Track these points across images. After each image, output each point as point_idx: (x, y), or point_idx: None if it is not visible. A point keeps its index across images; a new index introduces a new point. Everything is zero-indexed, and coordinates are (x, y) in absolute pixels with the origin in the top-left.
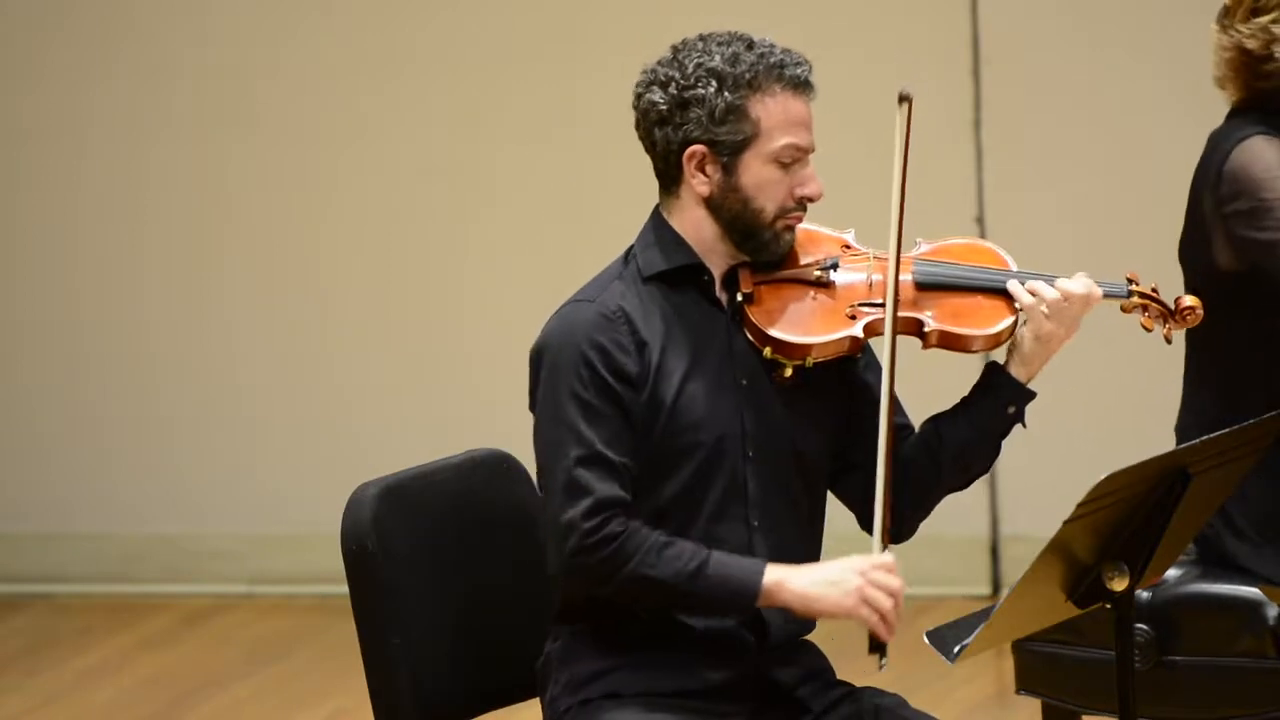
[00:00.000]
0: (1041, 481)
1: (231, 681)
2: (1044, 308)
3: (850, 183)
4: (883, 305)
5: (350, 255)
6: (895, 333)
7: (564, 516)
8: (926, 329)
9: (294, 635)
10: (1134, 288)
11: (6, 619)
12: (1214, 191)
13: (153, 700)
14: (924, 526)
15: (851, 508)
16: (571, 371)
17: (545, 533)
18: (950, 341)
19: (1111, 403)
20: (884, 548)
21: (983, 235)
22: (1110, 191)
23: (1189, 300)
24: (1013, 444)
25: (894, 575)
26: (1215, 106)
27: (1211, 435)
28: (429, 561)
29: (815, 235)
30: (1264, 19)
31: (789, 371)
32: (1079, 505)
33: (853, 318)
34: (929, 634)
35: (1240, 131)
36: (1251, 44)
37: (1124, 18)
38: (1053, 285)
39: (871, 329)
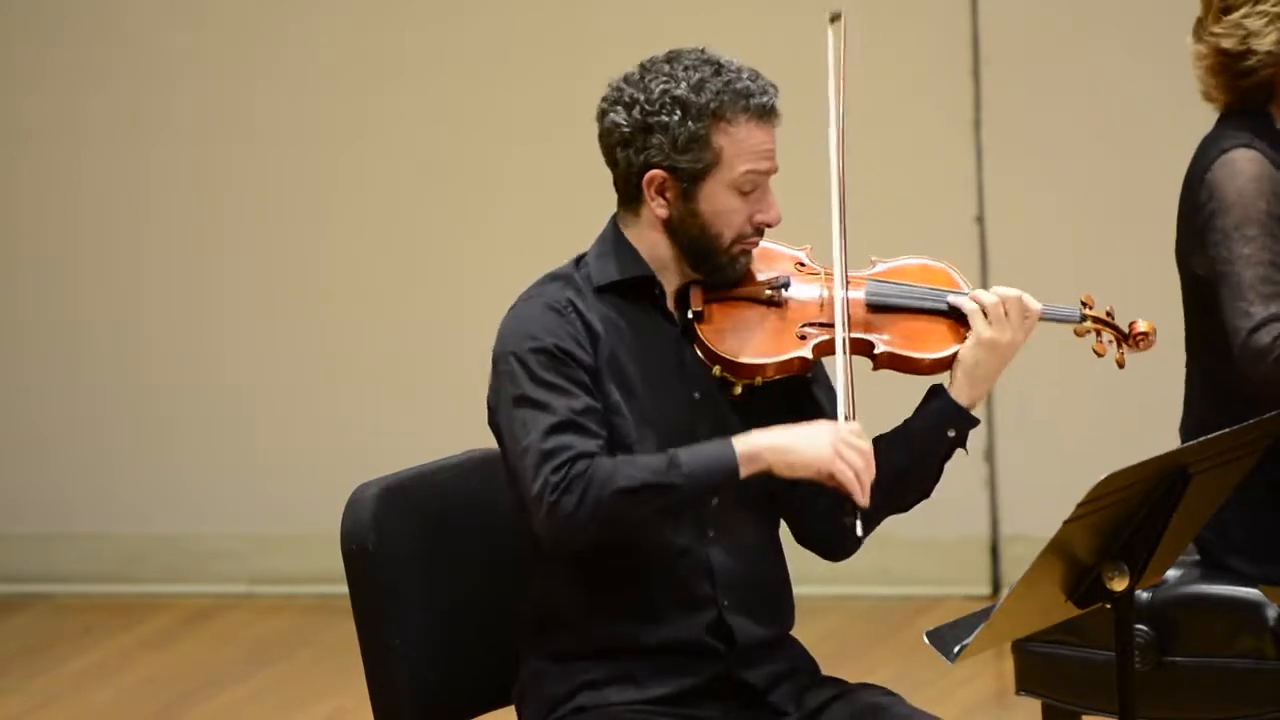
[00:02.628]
0: (1041, 481)
1: (231, 681)
2: (985, 313)
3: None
4: (831, 326)
5: (350, 255)
6: (845, 322)
7: (535, 485)
8: (876, 351)
9: (294, 635)
10: (1087, 311)
11: (6, 619)
12: (1194, 199)
13: (153, 700)
14: (924, 526)
15: (793, 527)
16: (530, 359)
17: (520, 528)
18: (899, 364)
19: (1111, 403)
20: (851, 416)
21: (983, 235)
22: (1110, 191)
23: (1143, 325)
24: (1013, 444)
25: (864, 439)
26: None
27: (1211, 435)
28: (429, 561)
29: (770, 252)
30: (1235, 15)
31: (739, 389)
32: (1079, 505)
33: (803, 338)
34: (929, 634)
35: (1225, 141)
36: (1228, 43)
37: (1124, 18)
38: (993, 291)
39: (821, 349)
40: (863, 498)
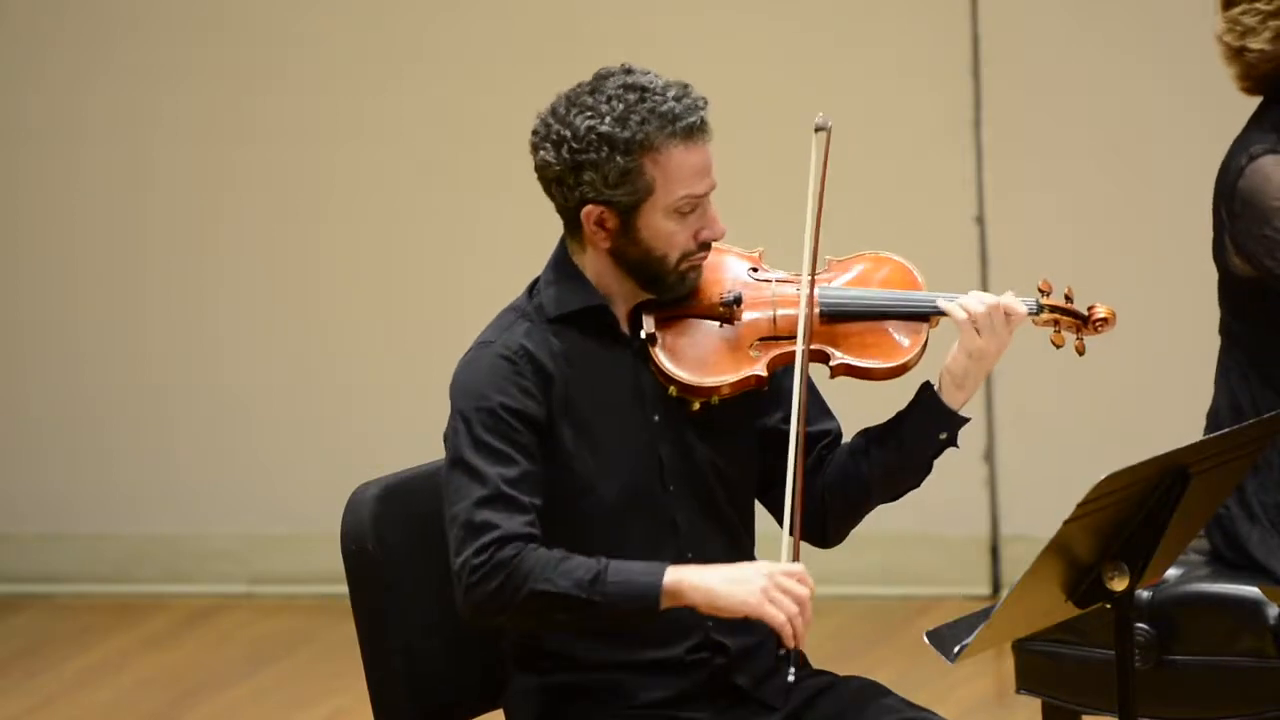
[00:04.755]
0: (1041, 481)
1: (231, 681)
2: (976, 324)
3: (850, 183)
4: (785, 340)
5: (350, 254)
6: (806, 369)
7: (458, 560)
8: (831, 362)
9: (294, 635)
10: (1045, 300)
11: (6, 619)
12: (1228, 205)
13: (153, 700)
14: (924, 526)
15: (779, 519)
16: (474, 419)
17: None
18: (855, 373)
19: (1111, 403)
20: (794, 558)
21: (983, 235)
22: (1110, 191)
23: (1102, 311)
24: (1013, 444)
25: (803, 584)
26: (1215, 106)
27: (1211, 435)
28: (429, 561)
29: (723, 260)
30: (1234, 10)
31: (697, 406)
32: (1079, 505)
33: (756, 355)
34: (929, 634)
35: (1253, 144)
36: (1228, 37)
37: (1124, 17)
38: (981, 300)
39: (775, 364)
40: (793, 642)
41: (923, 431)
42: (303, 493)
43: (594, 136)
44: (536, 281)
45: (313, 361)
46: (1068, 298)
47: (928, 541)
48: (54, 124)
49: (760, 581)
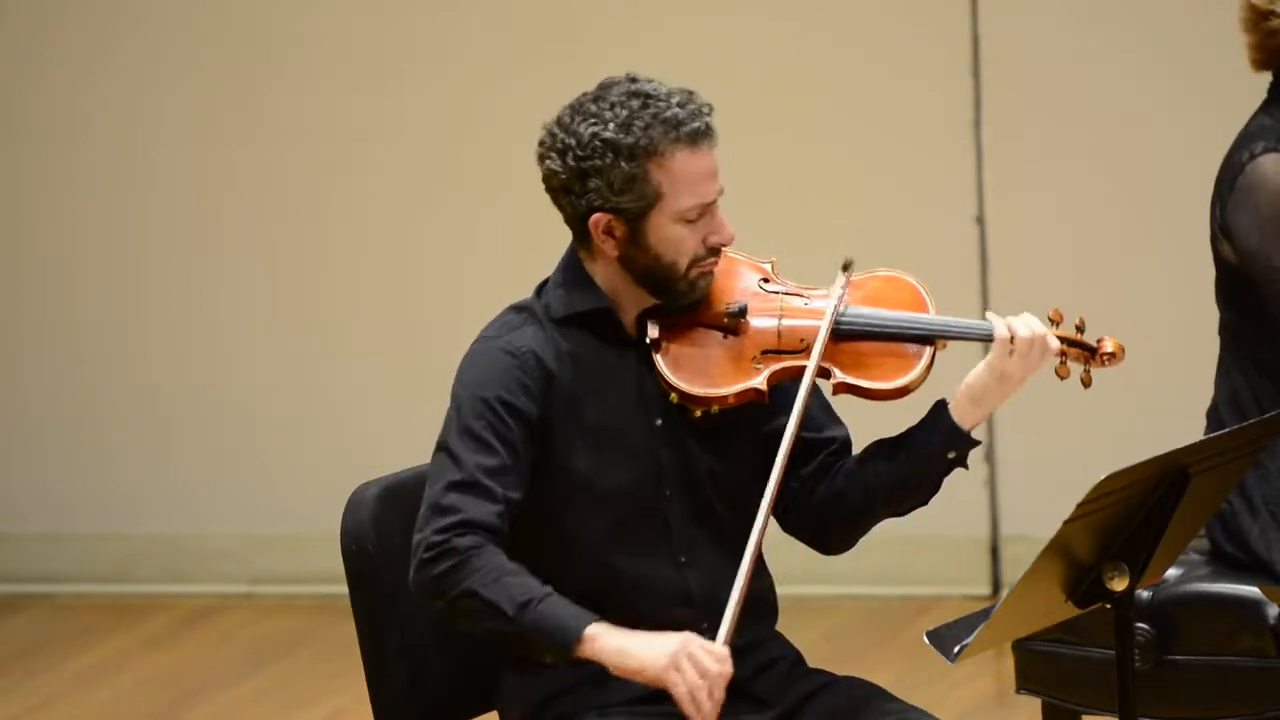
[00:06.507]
0: (1041, 481)
1: (231, 681)
2: (1013, 343)
3: (850, 183)
4: (790, 354)
5: (350, 255)
6: (803, 415)
7: (417, 535)
8: (833, 380)
9: (294, 635)
10: (1055, 331)
11: (6, 619)
12: (1227, 198)
13: (153, 700)
14: (924, 526)
15: (784, 525)
16: (466, 406)
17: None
18: (855, 392)
19: (1112, 402)
20: (727, 641)
21: (983, 235)
22: (1110, 191)
23: (1110, 345)
24: (1013, 444)
25: (719, 661)
26: (1215, 106)
27: (1211, 435)
28: None
29: (734, 267)
30: None
31: (698, 413)
32: (1079, 505)
33: (758, 368)
34: (929, 634)
35: (1256, 141)
36: (1259, 1)
37: (1124, 18)
38: (1027, 324)
39: (776, 378)
40: (695, 715)
41: (931, 449)
42: (303, 493)
43: (598, 143)
44: (545, 283)
45: (313, 361)
46: (1078, 328)
47: (928, 541)
48: (54, 124)
49: (672, 648)
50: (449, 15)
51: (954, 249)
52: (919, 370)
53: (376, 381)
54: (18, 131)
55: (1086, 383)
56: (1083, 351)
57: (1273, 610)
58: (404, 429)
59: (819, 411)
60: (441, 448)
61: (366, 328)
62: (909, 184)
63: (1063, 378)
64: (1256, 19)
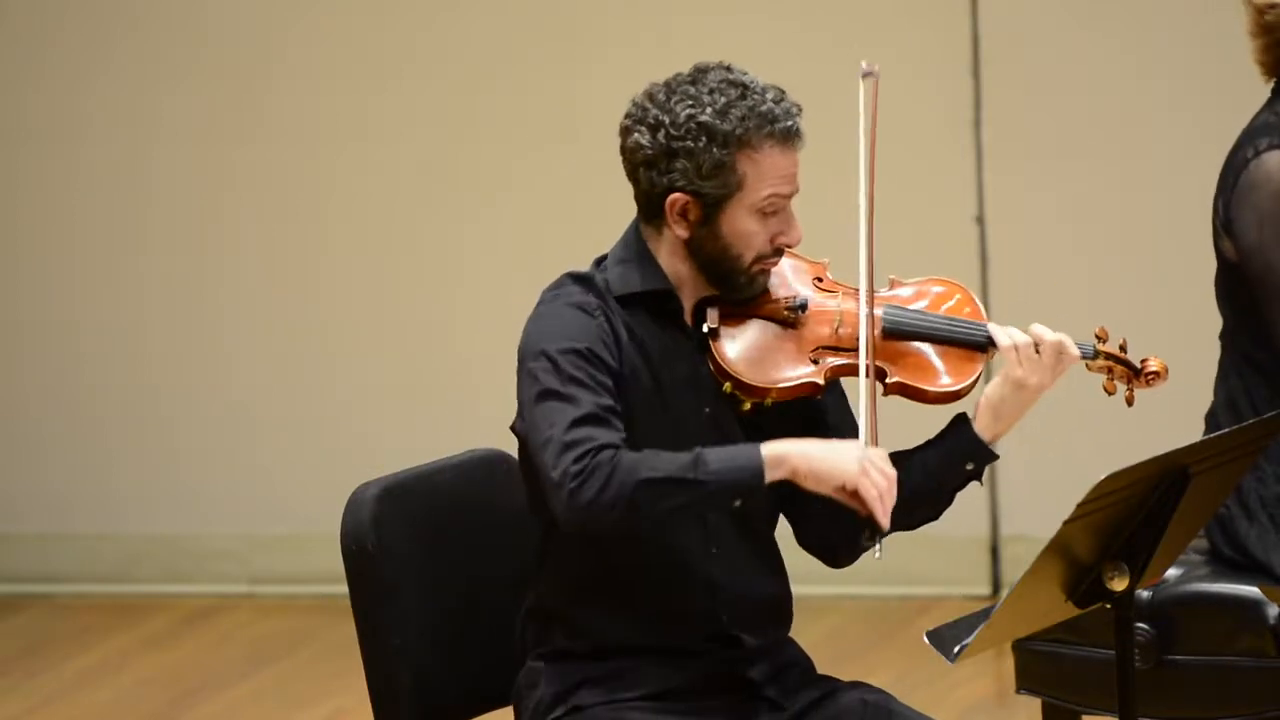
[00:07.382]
0: (1041, 481)
1: (231, 681)
2: (1016, 352)
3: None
4: (846, 351)
5: (350, 255)
6: (872, 368)
7: (556, 471)
8: (886, 379)
9: (294, 635)
10: (1100, 347)
11: (6, 619)
12: (1230, 194)
13: (153, 700)
14: (924, 527)
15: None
16: (560, 359)
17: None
18: (909, 393)
19: (1112, 403)
20: (874, 444)
21: (983, 235)
22: (1110, 191)
23: (1154, 364)
24: (1013, 444)
25: (889, 465)
26: (1215, 107)
27: (1211, 435)
28: (429, 561)
29: (790, 265)
30: None
31: (748, 405)
32: (1079, 505)
33: (815, 362)
34: (929, 634)
35: (1260, 138)
36: (1259, 1)
37: (1124, 17)
38: (1033, 331)
39: (833, 373)
40: (884, 519)
41: (949, 459)
42: (303, 493)
43: (694, 125)
44: (603, 258)
45: (313, 361)
46: (1122, 348)
47: (928, 541)
48: (54, 124)
49: (857, 453)
50: (449, 15)
51: (954, 249)
52: (973, 376)
53: (376, 381)
54: (18, 131)
55: (1130, 401)
56: (1126, 370)
57: (1273, 610)
58: (404, 429)
59: (845, 426)
60: (547, 395)
61: (366, 328)
62: (909, 184)
63: (1110, 393)
64: (1264, 25)
